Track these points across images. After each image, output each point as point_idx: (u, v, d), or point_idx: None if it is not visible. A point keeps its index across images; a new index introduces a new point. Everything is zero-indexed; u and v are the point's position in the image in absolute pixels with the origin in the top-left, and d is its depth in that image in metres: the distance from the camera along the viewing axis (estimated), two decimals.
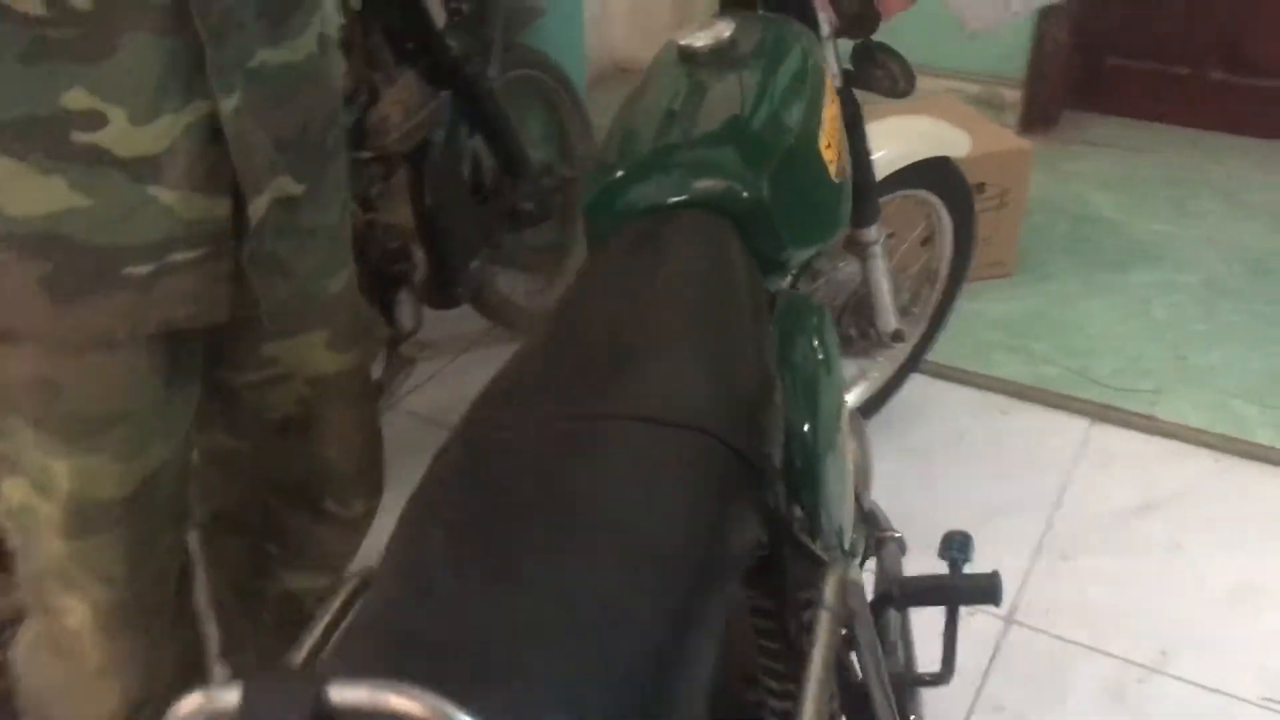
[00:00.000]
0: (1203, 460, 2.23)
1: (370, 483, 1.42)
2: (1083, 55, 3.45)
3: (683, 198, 1.13)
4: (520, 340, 0.99)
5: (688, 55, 1.32)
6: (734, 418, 0.84)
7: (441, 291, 2.13)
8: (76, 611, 1.17)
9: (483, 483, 0.78)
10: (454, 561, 0.70)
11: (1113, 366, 2.48)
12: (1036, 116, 3.41)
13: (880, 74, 1.71)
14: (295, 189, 1.12)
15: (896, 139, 1.96)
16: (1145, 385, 2.42)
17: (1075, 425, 2.32)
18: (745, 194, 1.12)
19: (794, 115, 1.24)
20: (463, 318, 2.39)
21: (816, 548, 0.91)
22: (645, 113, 1.27)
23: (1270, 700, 1.73)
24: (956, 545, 1.22)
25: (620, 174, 1.17)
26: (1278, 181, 3.25)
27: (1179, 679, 1.78)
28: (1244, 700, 1.74)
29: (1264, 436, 2.27)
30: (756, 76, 1.29)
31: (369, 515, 1.44)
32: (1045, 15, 3.24)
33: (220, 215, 1.05)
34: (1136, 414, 2.34)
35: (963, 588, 1.16)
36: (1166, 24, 3.38)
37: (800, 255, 1.25)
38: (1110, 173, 3.28)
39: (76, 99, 0.94)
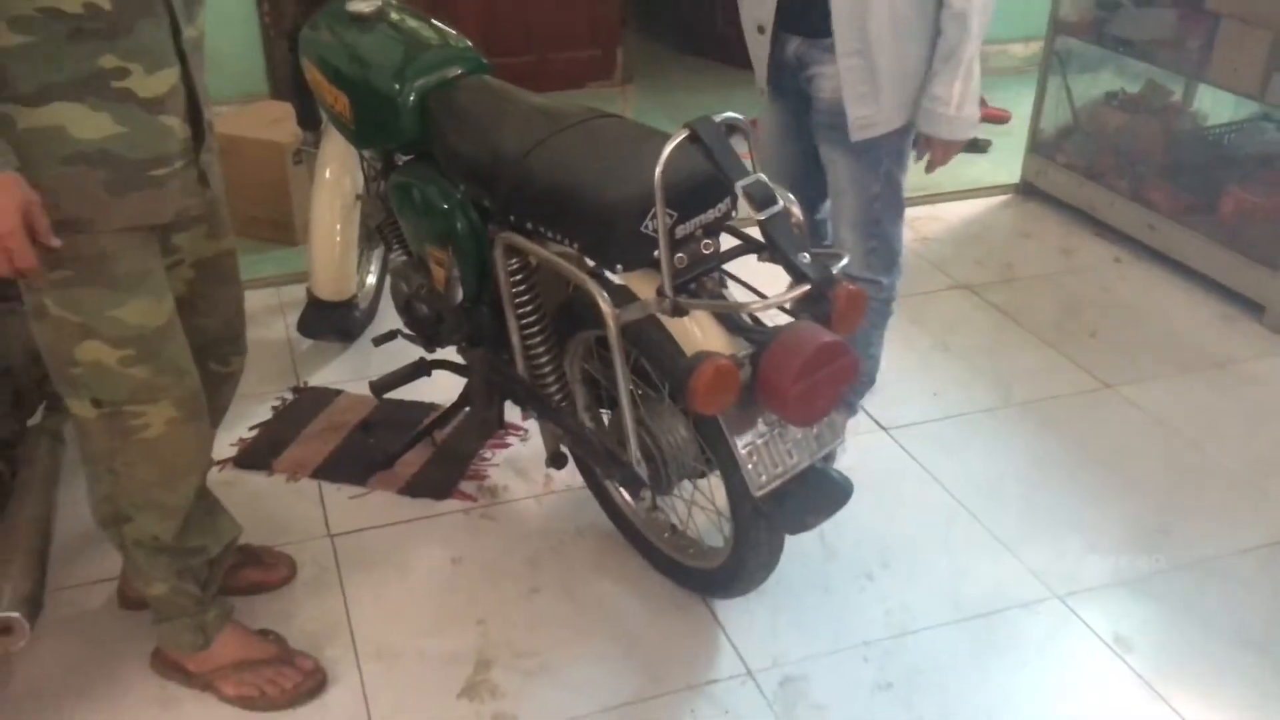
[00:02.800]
0: None
1: (240, 343, 1.96)
2: None
3: (462, 71, 2.10)
4: None
5: (358, 17, 2.21)
6: None
7: None
8: (160, 415, 1.67)
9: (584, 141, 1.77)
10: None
11: None
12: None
13: None
14: (212, 116, 1.79)
15: None
16: None
17: None
18: (484, 61, 2.13)
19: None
20: None
21: None
22: (378, 46, 2.15)
23: None
24: None
25: (418, 73, 2.07)
26: None
27: None
28: None
29: None
30: (414, 16, 2.25)
31: (240, 370, 1.98)
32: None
33: (187, 136, 1.63)
34: None
35: None
36: None
37: None
38: None
39: (108, 61, 1.47)
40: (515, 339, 1.97)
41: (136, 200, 1.57)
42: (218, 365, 1.94)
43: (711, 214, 1.70)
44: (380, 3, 2.23)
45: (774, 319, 1.98)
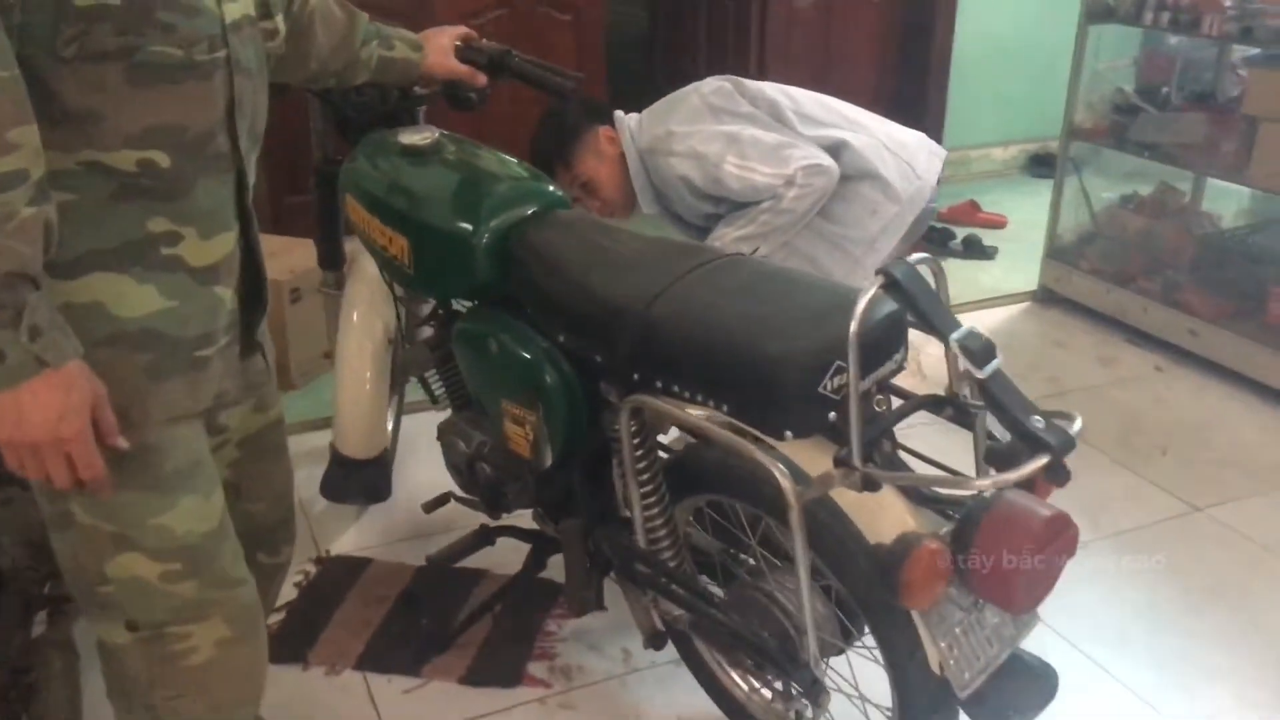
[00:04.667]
0: None
1: (291, 527, 1.67)
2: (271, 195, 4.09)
3: (540, 206, 1.86)
4: None
5: (411, 149, 1.97)
6: None
7: None
8: (209, 636, 1.38)
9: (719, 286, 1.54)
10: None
11: None
12: None
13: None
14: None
15: None
16: None
17: None
18: (562, 194, 1.91)
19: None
20: None
21: None
22: (441, 182, 1.91)
23: None
24: None
25: (494, 211, 1.83)
26: None
27: None
28: None
29: None
30: (473, 147, 2.01)
31: (290, 558, 1.69)
32: None
33: (235, 309, 1.37)
34: None
35: None
36: None
37: None
38: None
39: (159, 224, 1.23)
40: (637, 511, 1.70)
41: (179, 386, 1.30)
42: (267, 556, 1.64)
43: (889, 367, 1.48)
44: (436, 133, 2.00)
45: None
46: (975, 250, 4.20)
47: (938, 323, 1.32)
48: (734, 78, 2.56)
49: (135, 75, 1.18)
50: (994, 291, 3.94)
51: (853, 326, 1.30)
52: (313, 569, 2.43)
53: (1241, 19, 3.10)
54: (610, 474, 1.85)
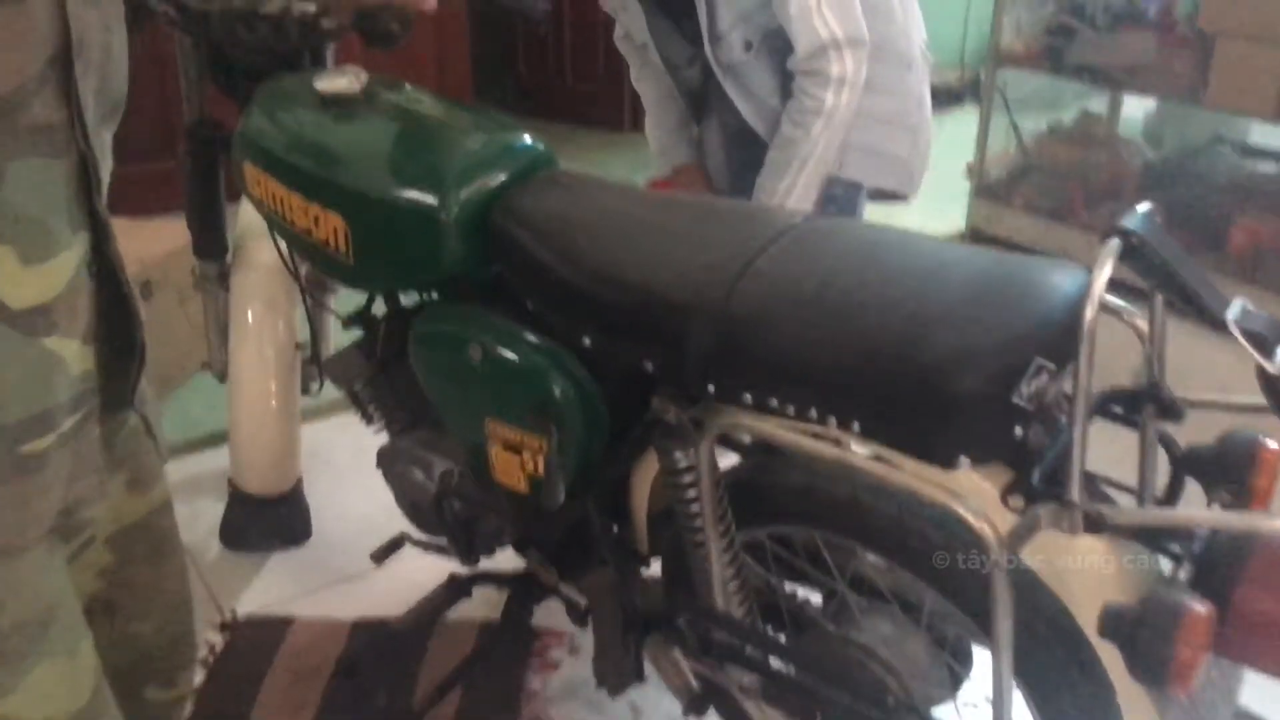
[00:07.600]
0: None
1: (191, 649, 1.19)
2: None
3: (523, 166, 1.42)
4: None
5: (335, 99, 1.49)
6: None
7: None
8: None
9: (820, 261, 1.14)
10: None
11: None
12: None
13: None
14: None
15: None
16: None
17: None
18: (548, 151, 1.47)
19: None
20: None
21: None
22: (386, 140, 1.44)
23: None
24: None
25: (467, 176, 1.38)
26: None
27: None
28: None
29: None
30: (415, 92, 1.54)
31: (191, 687, 1.21)
32: None
33: (90, 369, 0.92)
34: None
35: None
36: None
37: None
38: None
39: None
40: (716, 566, 1.29)
41: (4, 503, 0.85)
42: (160, 690, 1.15)
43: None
44: (363, 76, 1.52)
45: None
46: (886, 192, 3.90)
47: (1207, 297, 0.96)
48: None
49: None
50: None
51: (1088, 311, 0.94)
52: (218, 639, 1.93)
53: None
54: (629, 508, 1.45)
